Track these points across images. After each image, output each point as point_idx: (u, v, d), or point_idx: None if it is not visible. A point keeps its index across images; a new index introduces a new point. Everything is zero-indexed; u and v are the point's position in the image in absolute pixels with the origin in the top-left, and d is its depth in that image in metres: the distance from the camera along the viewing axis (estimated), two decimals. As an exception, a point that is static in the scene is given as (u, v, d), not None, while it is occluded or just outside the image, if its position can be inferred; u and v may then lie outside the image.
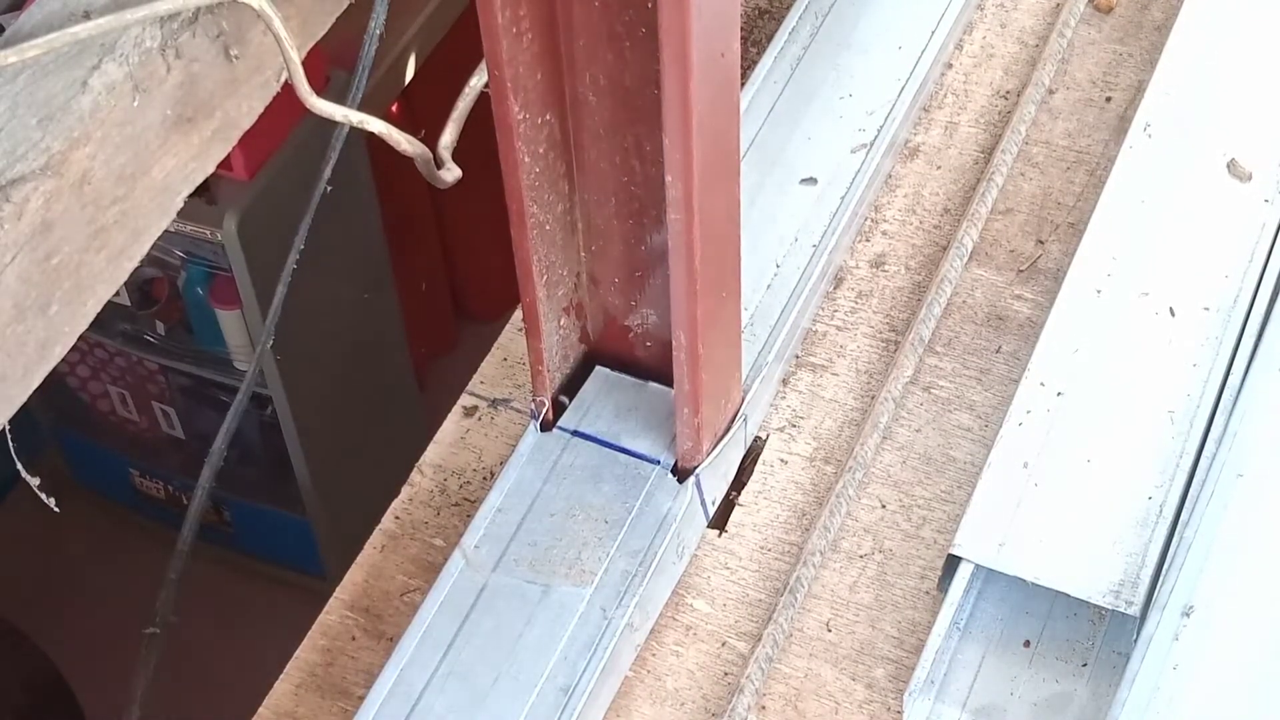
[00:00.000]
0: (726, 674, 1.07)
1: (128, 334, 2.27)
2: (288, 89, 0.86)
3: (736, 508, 1.14)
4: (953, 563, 1.06)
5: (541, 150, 0.99)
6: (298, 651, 1.09)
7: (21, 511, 2.52)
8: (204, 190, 0.86)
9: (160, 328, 2.26)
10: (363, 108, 0.92)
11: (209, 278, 2.16)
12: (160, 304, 2.23)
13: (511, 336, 1.24)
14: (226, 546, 2.48)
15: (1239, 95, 1.27)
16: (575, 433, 1.11)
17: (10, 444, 0.82)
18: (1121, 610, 1.02)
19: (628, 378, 1.13)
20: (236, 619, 2.40)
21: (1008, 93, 1.37)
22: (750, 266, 1.08)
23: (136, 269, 0.81)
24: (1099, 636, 1.06)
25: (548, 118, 0.98)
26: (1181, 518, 1.06)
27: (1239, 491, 1.06)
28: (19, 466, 0.86)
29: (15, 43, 0.73)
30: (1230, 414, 1.10)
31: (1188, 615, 1.01)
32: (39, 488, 0.90)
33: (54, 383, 0.81)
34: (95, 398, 2.42)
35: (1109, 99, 1.35)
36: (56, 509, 0.94)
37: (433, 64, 2.25)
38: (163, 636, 1.23)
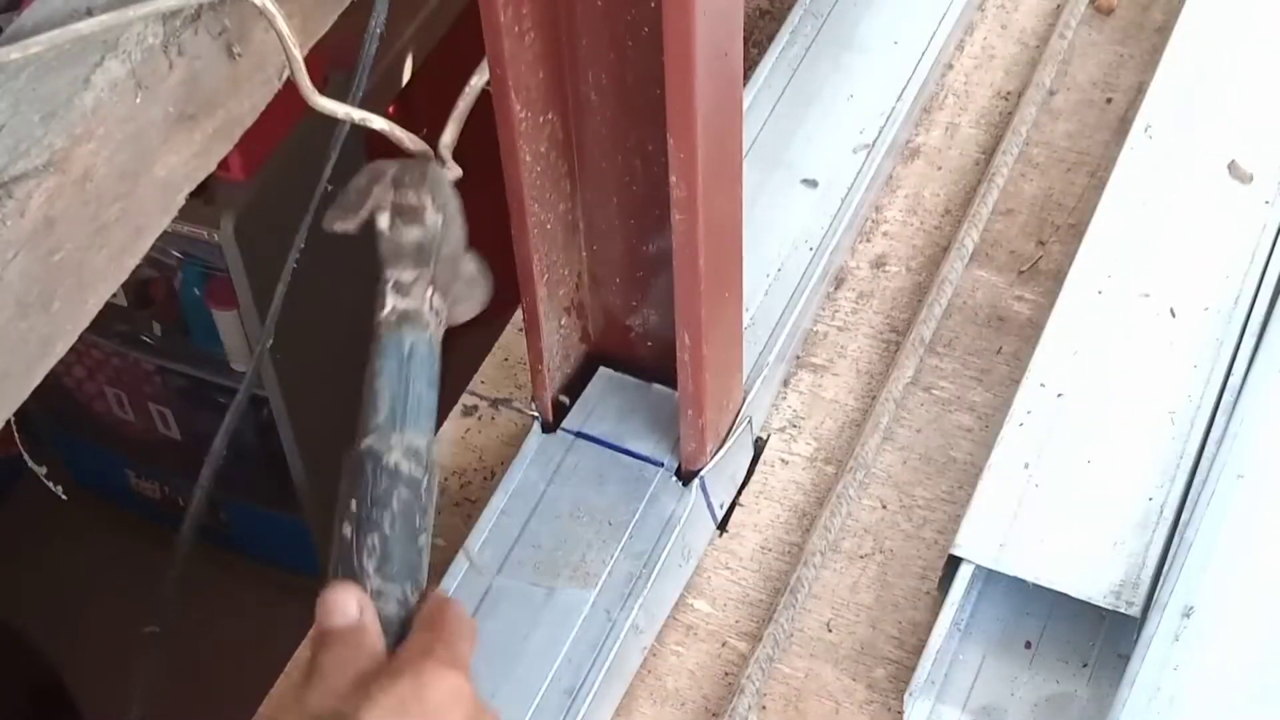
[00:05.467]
0: (727, 674, 1.07)
1: (124, 334, 2.27)
2: (285, 91, 0.86)
3: (737, 508, 1.14)
4: (953, 563, 1.06)
5: (543, 149, 0.98)
6: (298, 651, 1.09)
7: (17, 512, 2.52)
8: (201, 190, 0.85)
9: (157, 328, 2.26)
10: (361, 108, 0.92)
11: (206, 278, 2.16)
12: (157, 304, 2.23)
13: (512, 336, 1.24)
14: (222, 547, 2.47)
15: (1240, 97, 1.28)
16: (579, 434, 1.11)
17: (16, 433, 0.82)
18: (1122, 611, 1.02)
19: (631, 379, 1.13)
20: (233, 619, 2.40)
21: (1008, 94, 1.37)
22: (751, 267, 1.08)
23: (135, 268, 0.81)
24: (1100, 637, 1.06)
25: (549, 117, 0.98)
26: (1182, 518, 1.06)
27: (1240, 492, 1.06)
28: (24, 455, 0.86)
29: (18, 39, 0.73)
30: (1231, 415, 1.10)
31: (1188, 616, 1.01)
32: (44, 476, 0.90)
33: (50, 383, 0.81)
34: (91, 398, 2.42)
35: (1110, 100, 1.35)
36: (64, 496, 0.93)
37: (430, 65, 2.26)
38: (161, 636, 1.22)
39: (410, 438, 0.82)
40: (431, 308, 0.87)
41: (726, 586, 1.11)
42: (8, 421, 0.76)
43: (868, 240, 1.28)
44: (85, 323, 0.77)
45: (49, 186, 0.72)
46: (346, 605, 0.77)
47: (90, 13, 0.74)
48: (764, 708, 1.05)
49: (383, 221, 0.88)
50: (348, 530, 0.79)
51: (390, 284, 0.87)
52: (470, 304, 0.92)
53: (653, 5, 0.90)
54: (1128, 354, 1.14)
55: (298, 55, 0.81)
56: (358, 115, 0.87)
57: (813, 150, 1.28)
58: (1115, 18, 1.41)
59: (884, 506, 1.14)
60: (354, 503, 0.80)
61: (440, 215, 0.89)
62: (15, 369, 0.74)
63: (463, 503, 1.16)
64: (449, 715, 0.76)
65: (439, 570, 1.09)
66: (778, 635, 1.06)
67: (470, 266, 0.92)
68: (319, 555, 2.40)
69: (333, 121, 0.91)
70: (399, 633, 0.79)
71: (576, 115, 0.99)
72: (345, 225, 0.89)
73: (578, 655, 1.01)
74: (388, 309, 0.86)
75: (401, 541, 0.80)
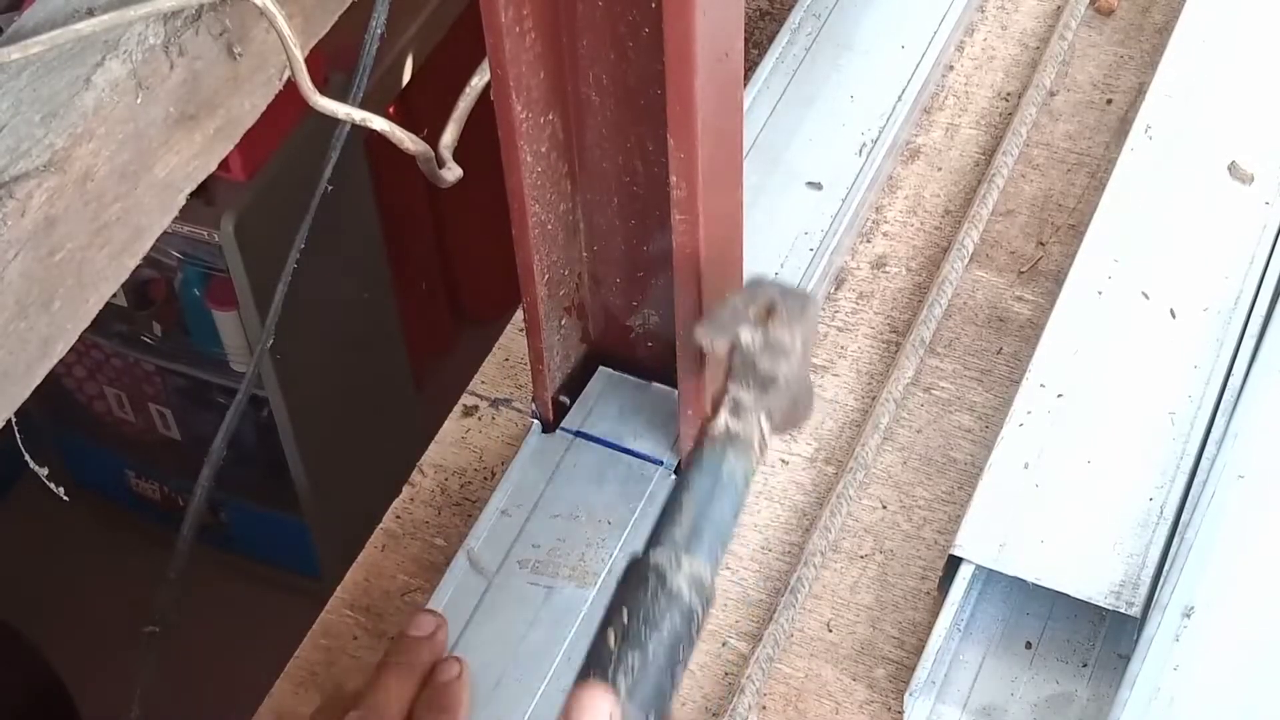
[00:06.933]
0: (727, 674, 1.07)
1: (124, 335, 2.28)
2: (286, 91, 0.86)
3: (737, 508, 1.14)
4: (953, 563, 1.06)
5: (544, 150, 0.99)
6: (298, 651, 1.09)
7: (17, 512, 2.52)
8: (201, 191, 0.85)
9: (157, 329, 2.26)
10: (362, 108, 0.92)
11: (206, 279, 2.16)
12: (157, 305, 2.23)
13: (512, 336, 1.24)
14: (222, 548, 2.48)
15: (1240, 97, 1.28)
16: (579, 433, 1.11)
17: (18, 436, 0.82)
18: (1122, 611, 1.02)
19: (631, 378, 1.13)
20: (232, 620, 2.40)
21: (1009, 95, 1.37)
22: (752, 268, 1.08)
23: (135, 269, 0.81)
24: (1100, 637, 1.06)
25: (550, 117, 0.98)
26: (1182, 519, 1.06)
27: (1239, 492, 1.06)
28: (26, 457, 0.86)
29: (18, 39, 0.73)
30: (1231, 415, 1.10)
31: (1188, 616, 1.02)
32: (46, 477, 0.90)
33: (50, 383, 0.81)
34: (91, 399, 2.42)
35: (1110, 101, 1.35)
36: (66, 498, 0.94)
37: (430, 66, 2.26)
38: (161, 636, 1.22)
39: (699, 565, 0.81)
40: (760, 435, 0.85)
41: (726, 586, 1.11)
42: (7, 421, 0.76)
43: (868, 241, 1.28)
44: (86, 323, 0.77)
45: (49, 186, 0.72)
46: (599, 711, 0.76)
47: (91, 13, 0.74)
48: (764, 708, 1.05)
49: (745, 338, 0.86)
50: (611, 638, 0.79)
51: (730, 399, 0.85)
52: (790, 422, 0.90)
53: (653, 6, 0.90)
54: (1128, 354, 1.14)
55: (298, 55, 0.81)
56: (358, 115, 0.87)
57: (813, 151, 1.29)
58: (1115, 19, 1.41)
59: (884, 507, 1.14)
60: (625, 612, 0.79)
61: (803, 353, 0.87)
62: (15, 369, 0.74)
63: (463, 503, 1.16)
64: None
65: (439, 569, 1.09)
66: (778, 635, 1.06)
67: (805, 389, 0.90)
68: (319, 555, 2.40)
69: (333, 122, 0.91)
70: None
71: (577, 115, 0.99)
72: (714, 342, 0.87)
73: (577, 654, 1.00)
74: (720, 424, 0.85)
75: (659, 669, 0.78)
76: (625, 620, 0.79)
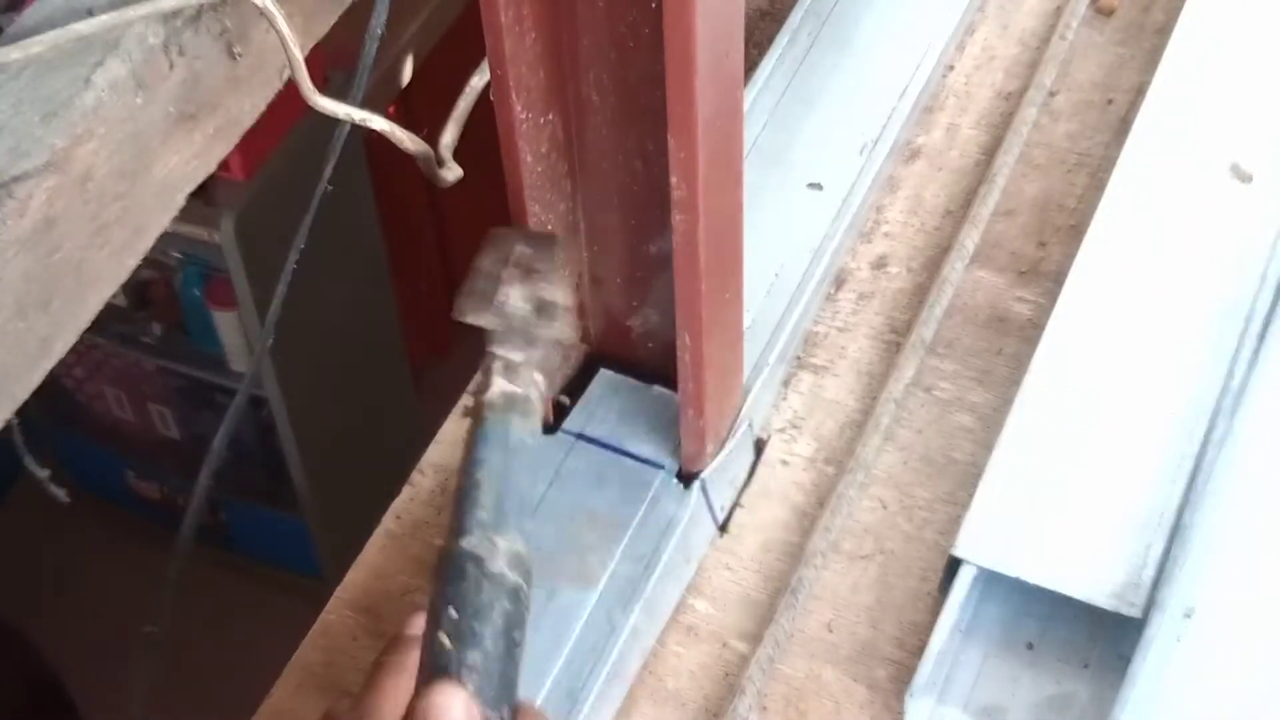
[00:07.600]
0: (727, 674, 1.07)
1: (124, 335, 2.28)
2: (285, 91, 0.86)
3: (738, 508, 1.14)
4: (954, 564, 1.06)
5: (544, 150, 0.98)
6: (298, 651, 1.09)
7: (17, 512, 2.52)
8: (201, 191, 0.85)
9: (156, 329, 2.26)
10: (362, 108, 0.92)
11: (206, 279, 2.16)
12: (156, 305, 2.24)
13: (512, 337, 1.24)
14: (221, 547, 2.48)
15: (1241, 97, 1.28)
16: (580, 436, 1.10)
17: (19, 436, 0.82)
18: (1123, 612, 1.02)
19: (632, 381, 1.13)
20: (232, 620, 2.40)
21: (1009, 94, 1.37)
22: (751, 268, 1.08)
23: (135, 269, 0.81)
24: (1101, 638, 1.06)
25: (550, 117, 0.98)
26: (1183, 519, 1.06)
27: (1241, 493, 1.06)
28: (27, 459, 0.86)
29: (18, 39, 0.73)
30: (1232, 416, 1.10)
31: (1189, 617, 1.02)
32: (47, 480, 0.90)
33: (50, 383, 0.81)
34: (91, 398, 2.43)
35: (1110, 101, 1.35)
36: (66, 499, 0.93)
37: (430, 66, 2.26)
38: (161, 636, 1.22)
39: (513, 541, 0.78)
40: (537, 392, 0.82)
41: (727, 587, 1.11)
42: (7, 421, 0.76)
43: (868, 241, 1.28)
44: (85, 323, 0.77)
45: (49, 186, 0.72)
46: (453, 710, 0.73)
47: (91, 13, 0.74)
48: (764, 708, 1.05)
49: (510, 301, 0.83)
50: (445, 640, 0.75)
51: (500, 362, 0.82)
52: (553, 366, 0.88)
53: (653, 6, 0.90)
54: (1128, 354, 1.14)
55: (298, 55, 0.81)
56: (358, 115, 0.87)
57: (813, 151, 1.28)
58: (1116, 19, 1.41)
59: (884, 507, 1.14)
60: (452, 610, 0.76)
61: (567, 300, 0.85)
62: (15, 369, 0.74)
63: (463, 503, 1.15)
64: None
65: (439, 571, 1.09)
66: (778, 636, 1.06)
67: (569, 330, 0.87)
68: (319, 555, 2.40)
69: (333, 121, 0.91)
70: None
71: (577, 116, 0.99)
72: (483, 319, 0.85)
73: (579, 658, 1.01)
74: (494, 392, 0.82)
75: (501, 659, 0.76)
76: (455, 618, 0.75)
